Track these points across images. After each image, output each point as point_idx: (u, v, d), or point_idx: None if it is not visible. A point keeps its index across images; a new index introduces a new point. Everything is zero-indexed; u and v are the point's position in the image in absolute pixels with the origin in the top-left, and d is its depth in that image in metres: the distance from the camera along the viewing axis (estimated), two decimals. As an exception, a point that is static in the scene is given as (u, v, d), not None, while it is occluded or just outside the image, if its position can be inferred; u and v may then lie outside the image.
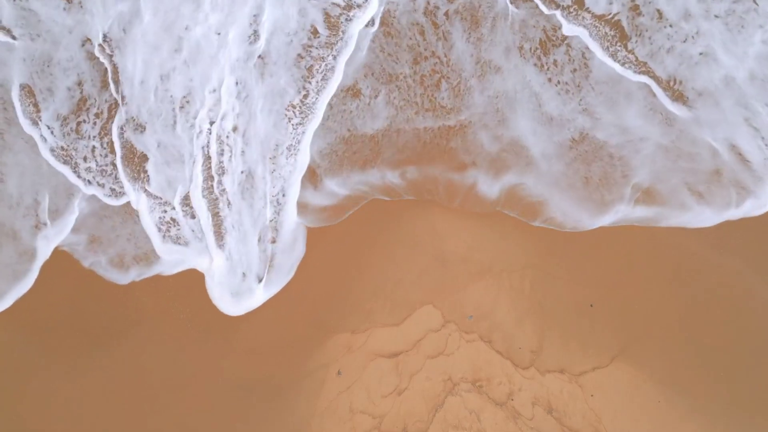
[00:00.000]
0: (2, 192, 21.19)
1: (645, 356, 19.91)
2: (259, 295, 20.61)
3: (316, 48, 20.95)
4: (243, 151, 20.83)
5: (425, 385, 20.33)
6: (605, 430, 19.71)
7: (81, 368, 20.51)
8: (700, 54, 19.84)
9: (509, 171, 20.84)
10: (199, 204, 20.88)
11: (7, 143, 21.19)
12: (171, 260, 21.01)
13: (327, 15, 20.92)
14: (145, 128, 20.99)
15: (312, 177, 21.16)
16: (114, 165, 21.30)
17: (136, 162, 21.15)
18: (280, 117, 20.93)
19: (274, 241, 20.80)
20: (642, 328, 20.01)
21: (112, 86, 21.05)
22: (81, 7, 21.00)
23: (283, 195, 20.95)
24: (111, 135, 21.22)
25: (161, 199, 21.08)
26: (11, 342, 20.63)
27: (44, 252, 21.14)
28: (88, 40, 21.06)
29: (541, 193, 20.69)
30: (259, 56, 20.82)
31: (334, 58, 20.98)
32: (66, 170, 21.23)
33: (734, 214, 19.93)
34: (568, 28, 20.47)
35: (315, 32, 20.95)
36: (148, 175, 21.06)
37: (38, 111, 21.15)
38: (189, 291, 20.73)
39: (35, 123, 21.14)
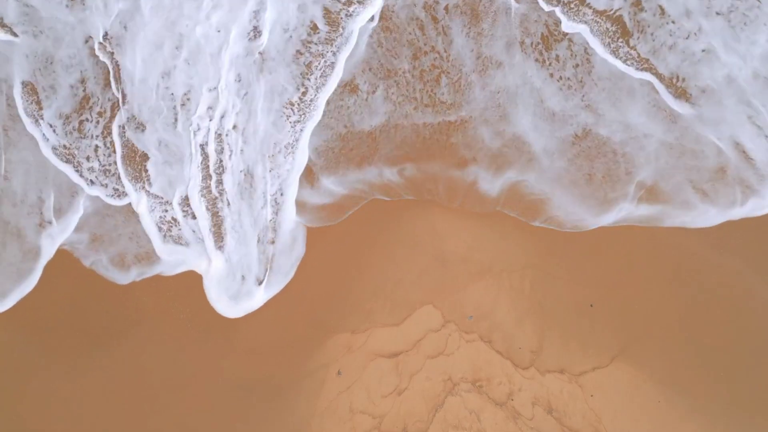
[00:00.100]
0: (6, 190, 21.09)
1: (645, 356, 19.90)
2: (258, 298, 20.57)
3: (316, 44, 20.74)
4: (242, 150, 20.72)
5: (425, 385, 20.33)
6: (605, 430, 19.71)
7: (81, 368, 20.51)
8: (703, 51, 19.65)
9: (511, 167, 20.67)
10: (198, 204, 20.79)
11: (12, 140, 21.09)
12: (172, 261, 20.98)
13: (327, 11, 20.73)
14: (145, 127, 20.87)
15: (308, 175, 21.06)
16: (127, 165, 21.20)
17: (138, 161, 21.05)
18: (279, 115, 20.78)
19: (273, 242, 20.70)
20: (642, 328, 20.00)
21: (113, 84, 20.94)
22: (83, 3, 20.86)
23: (281, 194, 20.83)
24: (121, 135, 21.10)
25: (162, 198, 21.02)
26: (11, 342, 20.63)
27: (48, 251, 21.06)
28: (91, 37, 20.96)
29: (543, 191, 20.55)
30: (259, 53, 20.63)
31: (334, 54, 20.75)
32: (68, 169, 21.12)
33: (738, 213, 19.81)
34: (568, 25, 20.30)
35: (314, 28, 20.75)
36: (148, 175, 20.96)
37: (40, 109, 20.99)
38: (189, 291, 20.72)
39: (37, 121, 20.99)
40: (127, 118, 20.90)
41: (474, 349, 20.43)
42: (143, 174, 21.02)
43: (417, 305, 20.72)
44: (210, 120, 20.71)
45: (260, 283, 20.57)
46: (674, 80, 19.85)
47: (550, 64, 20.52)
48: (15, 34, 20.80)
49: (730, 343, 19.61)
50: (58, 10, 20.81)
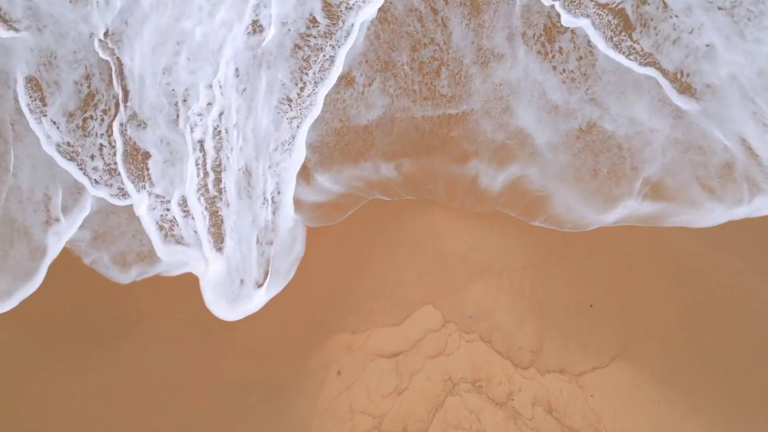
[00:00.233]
0: (12, 186, 20.78)
1: (645, 356, 19.90)
2: (256, 301, 20.44)
3: (315, 38, 20.32)
4: (241, 148, 20.48)
5: (425, 385, 20.32)
6: (605, 430, 19.70)
7: (81, 368, 20.49)
8: (707, 46, 19.34)
9: (513, 162, 20.41)
10: (195, 203, 20.63)
11: (18, 135, 20.78)
12: (173, 261, 20.91)
13: (326, 3, 20.34)
14: (147, 124, 20.61)
15: (303, 172, 20.79)
16: (127, 164, 20.89)
17: (140, 159, 20.80)
18: (277, 111, 20.48)
19: (272, 243, 20.59)
20: (642, 328, 20.00)
21: (114, 81, 20.60)
22: None
23: (279, 193, 20.61)
24: (122, 133, 20.76)
25: (164, 198, 20.91)
26: (11, 342, 20.61)
27: (55, 248, 20.78)
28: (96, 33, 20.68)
29: (546, 186, 20.35)
30: (260, 46, 20.28)
31: (333, 48, 20.32)
32: (72, 167, 20.78)
33: (744, 211, 19.59)
34: (568, 20, 19.94)
35: (313, 21, 20.34)
36: (150, 174, 20.77)
37: (44, 105, 20.62)
38: (189, 291, 20.70)
39: (41, 117, 20.64)
40: (129, 115, 20.62)
41: (474, 349, 20.42)
42: (145, 173, 20.82)
43: (417, 305, 20.72)
44: (208, 116, 20.45)
45: (259, 286, 20.51)
46: (678, 75, 19.55)
47: (553, 57, 20.21)
48: (17, 30, 20.47)
49: (730, 343, 19.60)
50: (61, 6, 20.47)
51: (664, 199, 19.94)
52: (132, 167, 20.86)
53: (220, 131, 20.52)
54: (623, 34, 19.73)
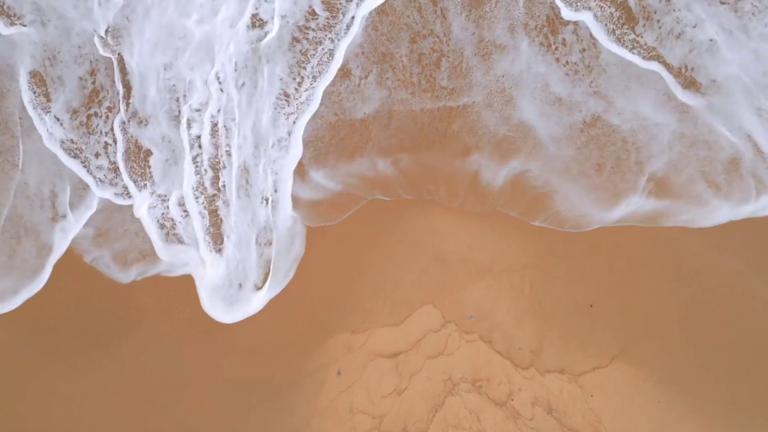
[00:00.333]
0: (20, 182, 20.52)
1: (645, 356, 19.90)
2: (255, 303, 20.32)
3: (314, 30, 19.82)
4: (240, 145, 20.22)
5: (425, 385, 20.32)
6: (605, 430, 19.70)
7: (81, 368, 20.49)
8: (710, 41, 19.05)
9: (516, 156, 20.07)
10: (192, 202, 20.43)
11: (26, 129, 20.57)
12: (175, 261, 20.80)
13: None
14: (148, 122, 20.36)
15: (298, 168, 20.55)
16: (129, 162, 20.61)
17: (142, 157, 20.57)
18: (274, 106, 20.12)
19: (271, 243, 20.49)
20: (642, 328, 20.00)
21: (116, 77, 20.32)
22: None
23: (276, 191, 20.36)
24: (123, 130, 20.46)
25: (165, 196, 20.76)
26: (11, 342, 20.60)
27: (61, 246, 20.57)
28: (105, 28, 20.37)
29: (549, 182, 20.08)
30: (259, 40, 19.84)
31: (332, 41, 19.82)
32: (76, 165, 20.50)
33: (749, 210, 19.35)
34: (568, 13, 19.59)
35: (312, 13, 19.91)
36: (151, 172, 20.57)
37: (48, 101, 20.30)
38: (189, 291, 20.69)
39: (45, 113, 20.30)
40: (131, 112, 20.35)
41: (474, 349, 20.42)
42: (147, 171, 20.60)
43: (417, 305, 20.71)
44: (206, 111, 20.13)
45: (258, 289, 20.44)
46: (683, 70, 19.23)
47: (556, 49, 19.86)
48: (23, 25, 20.20)
49: (730, 343, 19.60)
50: (65, 0, 20.19)
51: (669, 196, 19.75)
52: (135, 165, 20.63)
53: (217, 127, 20.26)
54: (626, 27, 19.39)
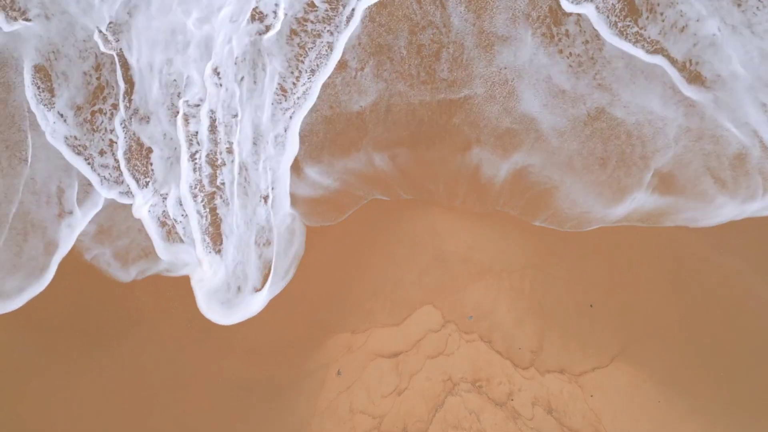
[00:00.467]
0: (27, 177, 20.17)
1: (645, 356, 19.89)
2: (254, 305, 20.19)
3: (312, 23, 19.39)
4: (240, 142, 19.94)
5: (425, 385, 20.31)
6: (605, 430, 19.69)
7: (81, 368, 20.48)
8: (713, 35, 18.81)
9: (517, 149, 19.75)
10: (190, 202, 20.17)
11: (34, 123, 20.28)
12: (176, 261, 20.71)
13: None
14: (149, 119, 20.07)
15: (293, 164, 20.29)
16: (131, 160, 20.26)
17: (144, 155, 20.30)
18: (271, 101, 19.77)
19: (270, 243, 20.37)
20: (642, 328, 19.99)
21: (118, 74, 20.00)
22: None
23: (273, 188, 20.11)
24: (125, 128, 20.12)
25: (167, 195, 20.54)
26: (11, 342, 20.59)
27: (67, 243, 20.22)
28: (110, 23, 20.02)
29: (551, 177, 19.81)
30: (259, 33, 19.42)
31: (332, 34, 19.36)
32: (80, 162, 20.14)
33: (756, 207, 19.13)
34: (570, 7, 19.30)
35: (312, 5, 19.54)
36: (153, 170, 20.30)
37: (53, 96, 19.92)
38: (189, 291, 20.66)
39: (48, 109, 19.92)
40: (134, 109, 20.05)
41: (474, 349, 20.41)
42: (149, 169, 20.35)
43: (417, 305, 20.71)
44: (205, 107, 19.80)
45: (257, 291, 20.39)
46: (687, 65, 18.94)
47: (559, 40, 19.53)
48: (28, 20, 19.84)
49: (730, 343, 19.60)
50: None
51: (673, 193, 19.53)
52: (138, 163, 20.37)
53: (216, 123, 19.93)
54: (628, 19, 19.09)
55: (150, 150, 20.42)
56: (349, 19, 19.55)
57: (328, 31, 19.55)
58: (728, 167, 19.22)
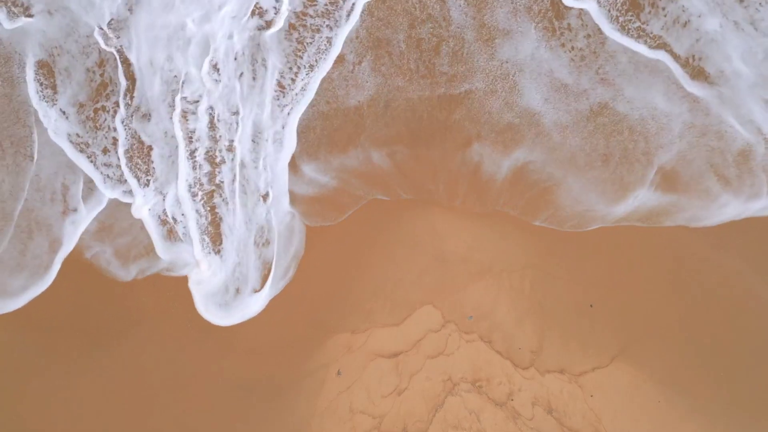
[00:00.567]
0: (32, 173, 19.91)
1: (645, 356, 19.89)
2: (253, 307, 20.10)
3: (312, 17, 19.02)
4: (239, 140, 19.65)
5: (425, 385, 20.31)
6: (605, 430, 19.69)
7: (81, 368, 20.47)
8: (716, 31, 18.58)
9: (519, 145, 19.45)
10: (189, 201, 19.97)
11: (38, 119, 20.05)
12: (176, 260, 20.64)
13: None
14: (151, 116, 19.77)
15: (290, 162, 20.07)
16: (133, 158, 19.93)
17: (145, 152, 20.03)
18: (269, 97, 19.45)
19: (269, 243, 20.27)
20: (642, 328, 19.99)
21: (120, 70, 19.68)
22: None
23: (271, 187, 19.91)
24: (126, 126, 19.81)
25: (167, 193, 20.38)
26: (11, 342, 20.58)
27: (70, 240, 19.93)
28: (112, 18, 19.70)
29: (553, 174, 19.60)
30: (258, 29, 19.07)
31: (331, 29, 18.99)
32: (83, 160, 19.86)
33: (760, 206, 18.92)
34: (570, 1, 19.07)
35: (311, 0, 19.22)
36: (154, 168, 20.05)
37: (55, 92, 19.60)
38: (189, 291, 20.67)
39: (50, 106, 19.58)
40: (135, 106, 19.78)
41: (474, 349, 20.41)
42: (150, 167, 20.11)
43: (417, 305, 20.71)
44: (204, 103, 19.51)
45: (256, 292, 20.36)
46: (690, 60, 18.72)
47: (561, 34, 19.29)
48: (31, 15, 19.56)
49: (730, 343, 19.60)
50: None
51: (676, 191, 19.34)
52: (139, 161, 20.10)
53: (215, 120, 19.68)
54: (630, 13, 18.85)
55: (151, 148, 20.28)
56: (349, 13, 19.24)
57: (327, 26, 19.24)
58: (732, 164, 19.04)
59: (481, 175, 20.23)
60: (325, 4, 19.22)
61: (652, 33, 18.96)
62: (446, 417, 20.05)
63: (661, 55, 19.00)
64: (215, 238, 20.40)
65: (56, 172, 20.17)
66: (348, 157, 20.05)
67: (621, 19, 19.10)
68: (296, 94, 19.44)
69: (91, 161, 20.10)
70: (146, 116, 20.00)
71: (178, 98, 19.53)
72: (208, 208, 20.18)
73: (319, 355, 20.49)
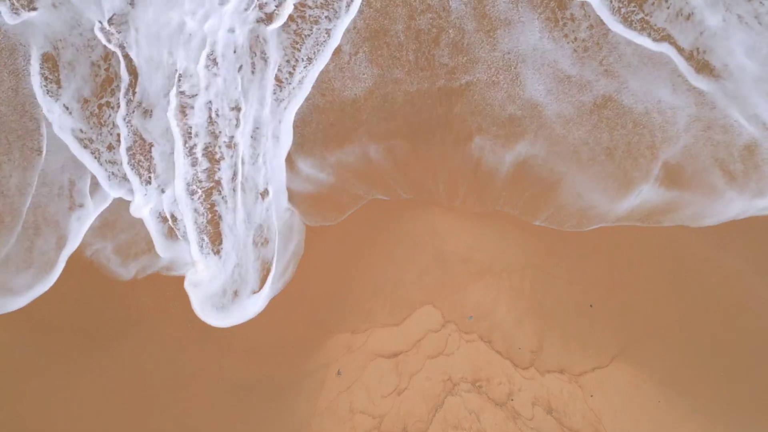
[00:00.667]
0: (41, 168, 19.51)
1: (645, 356, 19.89)
2: (253, 308, 19.98)
3: (310, 8, 18.52)
4: (239, 135, 19.30)
5: (425, 385, 20.31)
6: (605, 430, 19.69)
7: (81, 368, 20.47)
8: (719, 24, 18.22)
9: (521, 138, 19.10)
10: (187, 199, 19.65)
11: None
12: (177, 259, 20.57)
13: None
14: (152, 113, 19.40)
15: (286, 158, 19.86)
16: (137, 155, 19.54)
17: (147, 149, 19.72)
18: (266, 91, 19.06)
19: (268, 242, 20.15)
20: (642, 328, 19.99)
21: (122, 66, 19.29)
22: None
23: (269, 183, 19.67)
24: (128, 122, 19.41)
25: (167, 191, 20.11)
26: (11, 342, 20.58)
27: (76, 237, 19.61)
28: (114, 14, 19.35)
29: (556, 168, 19.27)
30: (258, 21, 18.56)
31: (330, 20, 18.48)
32: (87, 157, 19.48)
33: (765, 204, 18.59)
34: None
35: None
36: (155, 166, 19.75)
37: (59, 87, 19.20)
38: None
39: (54, 100, 19.26)
40: (137, 102, 19.41)
41: (474, 349, 20.41)
42: (152, 164, 19.82)
43: (417, 305, 20.71)
44: (202, 97, 19.13)
45: (255, 293, 20.33)
46: (695, 53, 18.35)
47: (564, 24, 18.88)
48: (35, 8, 19.19)
49: (731, 343, 19.59)
50: None
51: (681, 187, 19.02)
52: (141, 158, 19.77)
53: (214, 115, 19.32)
54: (633, 4, 18.46)
55: (152, 145, 20.02)
56: (349, 4, 18.78)
57: (326, 17, 18.77)
58: (738, 159, 18.73)
59: (482, 170, 20.00)
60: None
61: (656, 25, 18.58)
62: (446, 417, 20.05)
63: (665, 48, 18.63)
64: (214, 237, 20.32)
65: (63, 166, 19.80)
66: (345, 153, 19.78)
67: (623, 10, 18.71)
68: (293, 88, 19.04)
69: (96, 158, 19.78)
70: (147, 112, 19.73)
71: (173, 92, 19.07)
72: (207, 206, 19.96)
73: (319, 355, 20.49)
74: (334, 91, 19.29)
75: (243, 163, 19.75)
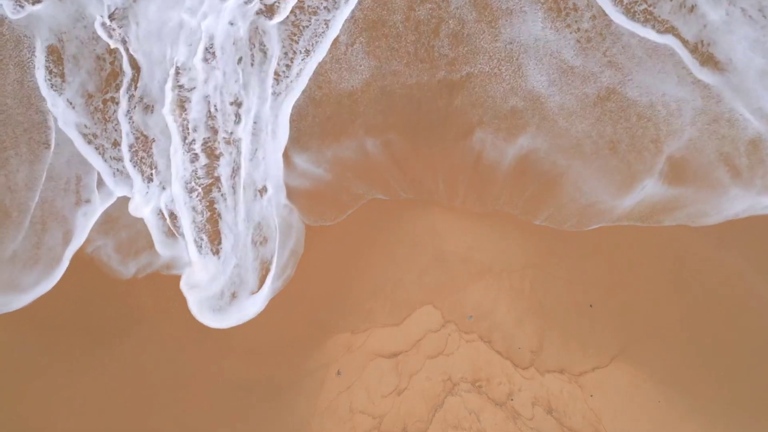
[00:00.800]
0: (49, 162, 19.20)
1: (645, 356, 19.88)
2: (252, 308, 19.99)
3: (309, 0, 18.12)
4: (237, 130, 19.04)
5: (425, 385, 20.32)
6: (605, 430, 19.69)
7: (82, 367, 20.52)
8: (724, 17, 17.96)
9: (523, 131, 18.75)
10: (186, 197, 19.40)
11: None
12: (177, 258, 20.52)
13: None
14: (153, 108, 19.17)
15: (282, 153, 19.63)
16: (140, 152, 19.29)
17: (149, 146, 19.47)
18: (264, 84, 18.70)
19: (266, 241, 20.14)
20: (642, 328, 19.97)
21: (125, 62, 19.01)
22: None
23: (267, 180, 19.47)
24: (130, 118, 19.09)
25: (167, 188, 19.93)
26: (12, 342, 20.63)
27: (82, 232, 19.37)
28: (115, 10, 19.06)
29: (558, 162, 18.89)
30: (257, 13, 18.19)
31: (329, 11, 18.05)
32: (91, 153, 19.22)
33: (766, 203, 18.29)
34: None
35: None
36: (155, 163, 19.51)
37: (64, 81, 18.89)
38: (189, 291, 20.70)
39: (58, 95, 18.95)
40: (139, 97, 19.14)
41: (474, 349, 20.41)
42: (153, 161, 19.62)
43: (417, 305, 20.69)
44: (201, 91, 18.80)
45: (254, 293, 20.32)
46: (699, 46, 18.00)
47: (567, 15, 18.52)
48: (39, 1, 18.96)
49: (731, 343, 19.56)
50: None
51: (685, 182, 18.70)
52: (144, 155, 19.51)
53: (211, 109, 19.02)
54: None
55: (153, 141, 19.82)
56: None
57: (325, 7, 18.32)
58: (744, 153, 18.35)
59: (483, 165, 19.58)
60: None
61: (659, 17, 18.16)
62: (446, 417, 20.07)
63: (670, 40, 18.25)
64: (213, 237, 20.25)
65: (69, 160, 19.48)
66: (342, 147, 19.42)
67: (626, 1, 18.31)
68: (291, 81, 18.66)
69: (100, 153, 19.45)
70: (149, 108, 19.42)
71: (168, 86, 18.65)
72: (206, 204, 19.61)
73: (319, 355, 20.50)
74: (330, 83, 18.88)
75: (243, 161, 19.61)
